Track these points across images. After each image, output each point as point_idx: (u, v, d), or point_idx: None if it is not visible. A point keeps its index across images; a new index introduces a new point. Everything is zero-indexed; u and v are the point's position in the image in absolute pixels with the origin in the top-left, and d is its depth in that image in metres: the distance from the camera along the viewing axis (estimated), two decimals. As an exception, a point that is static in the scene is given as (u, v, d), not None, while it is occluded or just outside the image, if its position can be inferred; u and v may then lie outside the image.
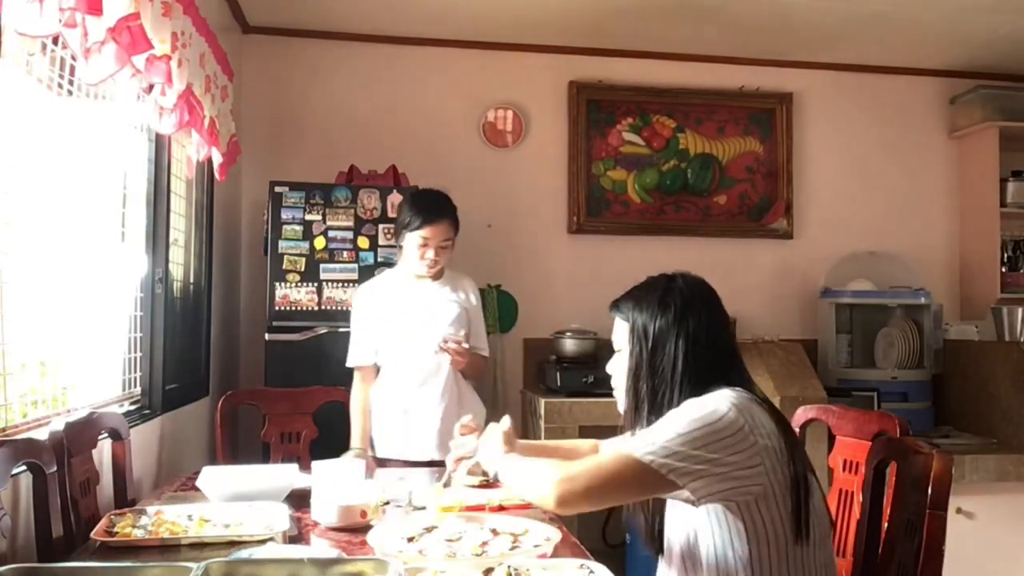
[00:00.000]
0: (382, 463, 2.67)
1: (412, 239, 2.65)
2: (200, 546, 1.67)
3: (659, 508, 1.61)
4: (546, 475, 1.46)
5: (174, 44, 2.24)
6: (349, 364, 2.80)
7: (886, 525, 1.86)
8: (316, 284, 3.38)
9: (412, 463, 2.63)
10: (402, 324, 2.71)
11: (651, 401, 1.55)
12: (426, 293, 2.73)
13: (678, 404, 1.50)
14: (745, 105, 4.37)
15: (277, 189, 3.41)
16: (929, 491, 1.64)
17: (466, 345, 2.65)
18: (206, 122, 2.73)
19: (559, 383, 3.68)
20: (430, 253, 2.65)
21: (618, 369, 1.66)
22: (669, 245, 4.26)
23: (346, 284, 3.34)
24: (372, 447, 2.76)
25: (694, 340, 1.55)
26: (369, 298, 2.80)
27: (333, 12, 3.85)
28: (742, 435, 1.40)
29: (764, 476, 1.41)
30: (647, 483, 1.42)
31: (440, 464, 2.61)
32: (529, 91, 4.22)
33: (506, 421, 1.86)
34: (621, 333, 1.65)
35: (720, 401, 1.45)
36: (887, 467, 1.91)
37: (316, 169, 3.77)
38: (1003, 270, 4.30)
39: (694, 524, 1.50)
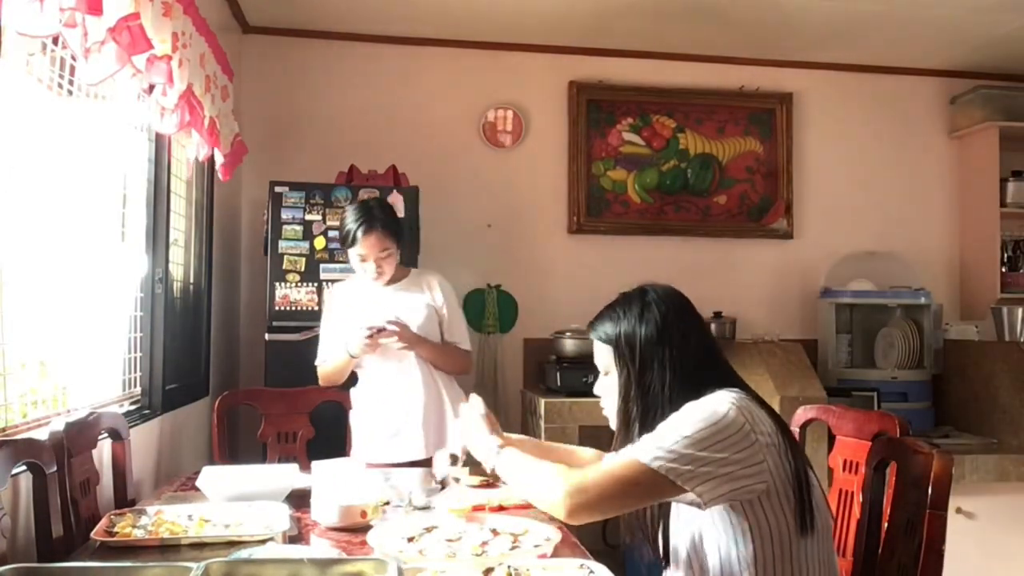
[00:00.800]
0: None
1: (351, 254, 2.64)
2: (200, 546, 1.67)
3: (663, 515, 1.60)
4: (555, 484, 1.43)
5: (175, 44, 2.24)
6: (318, 363, 2.78)
7: (886, 525, 1.86)
8: (316, 284, 3.38)
9: (399, 464, 2.61)
10: (367, 332, 2.67)
11: (642, 419, 1.53)
12: (391, 298, 2.70)
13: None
14: (745, 105, 4.37)
15: (277, 189, 3.41)
16: (929, 491, 1.64)
17: (393, 326, 2.59)
18: (206, 122, 2.73)
19: (559, 383, 3.68)
20: (370, 265, 2.62)
21: (607, 391, 1.64)
22: (669, 245, 4.27)
23: (346, 284, 3.34)
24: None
25: (680, 351, 1.54)
26: (340, 298, 2.78)
27: (333, 12, 3.85)
28: (743, 433, 1.40)
29: (767, 474, 1.41)
30: (656, 488, 1.40)
31: (427, 463, 2.60)
32: (529, 91, 4.22)
33: (476, 401, 1.82)
34: (604, 356, 1.63)
35: (720, 402, 1.45)
36: (887, 467, 1.91)
37: (316, 169, 3.77)
38: (1003, 270, 4.30)
39: (699, 526, 1.50)
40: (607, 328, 1.61)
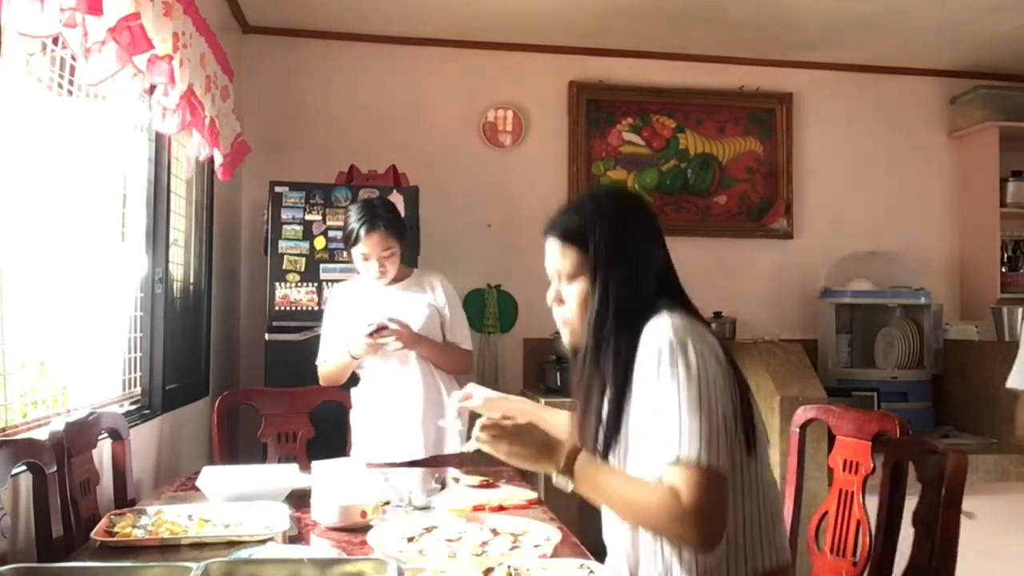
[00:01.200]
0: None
1: (354, 254, 2.65)
2: (200, 546, 1.67)
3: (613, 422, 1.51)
4: (681, 530, 1.34)
5: (175, 44, 2.24)
6: (319, 363, 2.77)
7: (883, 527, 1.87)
8: (316, 284, 3.38)
9: (399, 464, 2.61)
10: (368, 330, 2.67)
11: (618, 330, 1.47)
12: (393, 297, 2.70)
13: (639, 330, 1.44)
14: (745, 105, 4.37)
15: (277, 189, 3.41)
16: (943, 491, 1.65)
17: (394, 325, 2.60)
18: (206, 122, 2.73)
19: (559, 383, 3.68)
20: (373, 264, 2.63)
21: (571, 299, 1.57)
22: (669, 245, 4.23)
23: (346, 284, 3.34)
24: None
25: (650, 256, 1.53)
26: (342, 298, 2.79)
27: (333, 12, 3.85)
28: (715, 377, 1.39)
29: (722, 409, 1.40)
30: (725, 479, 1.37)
31: (426, 463, 2.61)
32: (529, 91, 4.22)
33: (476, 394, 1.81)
34: (570, 258, 1.56)
35: (685, 345, 1.39)
36: (900, 467, 1.91)
37: (316, 169, 3.78)
38: (1003, 270, 4.30)
39: (646, 451, 1.43)
40: (579, 230, 1.56)
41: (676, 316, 1.45)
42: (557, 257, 1.61)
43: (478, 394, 1.87)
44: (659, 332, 1.42)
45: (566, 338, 1.63)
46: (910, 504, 1.83)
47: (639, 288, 1.50)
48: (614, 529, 1.55)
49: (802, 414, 2.26)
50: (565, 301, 1.60)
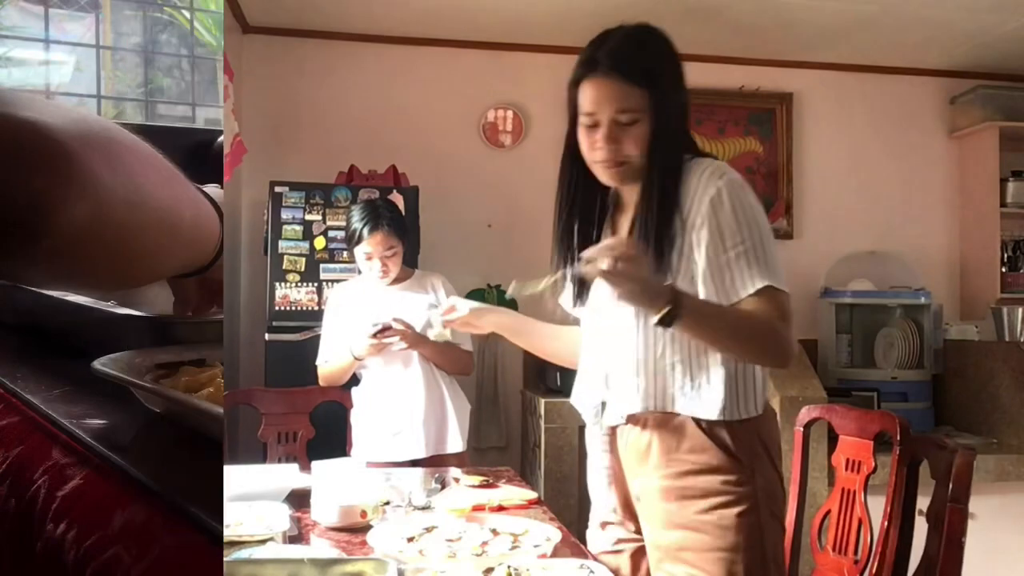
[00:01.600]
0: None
1: (357, 253, 2.68)
2: (200, 546, 1.66)
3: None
4: (786, 351, 1.52)
5: (174, 43, 2.24)
6: (319, 363, 2.78)
7: (885, 524, 1.87)
8: (316, 284, 3.38)
9: (399, 464, 2.61)
10: (372, 330, 2.66)
11: (678, 171, 1.56)
12: (395, 298, 2.72)
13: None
14: (745, 105, 4.37)
15: (277, 189, 3.41)
16: (950, 486, 1.68)
17: (399, 325, 2.61)
18: (206, 122, 2.73)
19: (559, 383, 3.67)
20: (376, 264, 2.66)
21: (628, 140, 1.52)
22: (669, 245, 4.25)
23: (346, 284, 3.34)
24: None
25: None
26: (342, 298, 2.80)
27: (333, 12, 3.85)
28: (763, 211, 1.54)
29: None
30: None
31: (427, 463, 2.61)
32: (529, 91, 4.21)
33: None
34: (634, 99, 1.52)
35: (743, 183, 1.53)
36: (913, 465, 1.92)
37: (316, 169, 3.77)
38: (1003, 270, 4.30)
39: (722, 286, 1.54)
40: (649, 66, 1.58)
41: (716, 161, 1.59)
42: (618, 97, 1.51)
43: (462, 305, 1.89)
44: (716, 171, 1.52)
45: (605, 177, 1.58)
46: (921, 502, 1.85)
47: (689, 125, 1.63)
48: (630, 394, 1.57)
49: (806, 414, 2.27)
50: (627, 145, 1.52)
